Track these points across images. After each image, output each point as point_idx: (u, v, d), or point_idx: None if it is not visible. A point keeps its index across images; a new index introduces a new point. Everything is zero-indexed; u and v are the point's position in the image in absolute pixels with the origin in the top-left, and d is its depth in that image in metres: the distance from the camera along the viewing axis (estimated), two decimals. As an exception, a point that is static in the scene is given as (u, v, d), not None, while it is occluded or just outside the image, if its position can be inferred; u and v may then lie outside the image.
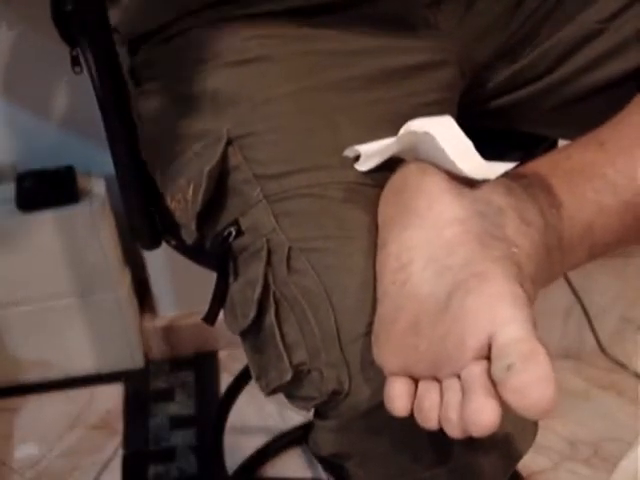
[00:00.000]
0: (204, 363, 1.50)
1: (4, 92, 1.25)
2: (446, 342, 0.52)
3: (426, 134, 0.60)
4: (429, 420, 0.52)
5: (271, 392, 0.65)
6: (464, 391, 0.50)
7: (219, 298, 0.69)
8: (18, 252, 1.31)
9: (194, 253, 0.85)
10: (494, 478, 0.64)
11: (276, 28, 0.71)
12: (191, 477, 1.34)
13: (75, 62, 0.91)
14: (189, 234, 0.72)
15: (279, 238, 0.64)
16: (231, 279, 0.68)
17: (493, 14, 0.76)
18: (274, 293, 0.63)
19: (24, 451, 1.38)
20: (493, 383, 0.49)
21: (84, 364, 1.46)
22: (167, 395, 1.46)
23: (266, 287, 0.63)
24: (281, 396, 0.66)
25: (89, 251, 1.32)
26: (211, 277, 0.88)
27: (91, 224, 1.29)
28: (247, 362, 0.69)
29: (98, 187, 1.30)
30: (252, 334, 0.65)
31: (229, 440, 1.24)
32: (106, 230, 1.31)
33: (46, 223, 1.28)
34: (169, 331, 1.49)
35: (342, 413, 0.61)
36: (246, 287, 0.64)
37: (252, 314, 0.63)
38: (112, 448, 1.38)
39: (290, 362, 0.62)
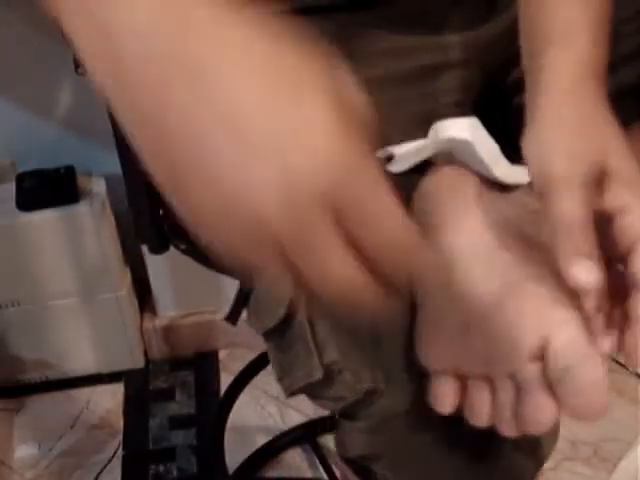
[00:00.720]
0: (204, 363, 1.50)
1: (4, 92, 1.25)
2: (500, 343, 0.52)
3: (465, 142, 0.61)
4: (480, 418, 0.53)
5: (294, 392, 0.65)
6: (521, 390, 0.51)
7: (243, 297, 0.68)
8: (18, 252, 1.31)
9: (204, 256, 0.84)
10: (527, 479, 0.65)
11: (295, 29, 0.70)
12: (191, 477, 1.34)
13: (79, 63, 0.90)
14: None
15: None
16: None
17: (513, 14, 0.76)
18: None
19: (24, 451, 1.38)
20: (549, 383, 0.50)
21: (84, 364, 1.46)
22: (167, 395, 1.46)
23: None
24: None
25: (89, 251, 1.32)
26: (211, 277, 0.88)
27: (91, 224, 1.29)
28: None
29: (98, 187, 1.30)
30: (278, 333, 0.65)
31: (229, 440, 1.24)
32: (106, 230, 1.31)
33: (46, 223, 1.28)
34: (169, 331, 1.48)
35: (375, 413, 0.61)
36: (274, 287, 0.64)
37: (282, 312, 0.63)
38: (112, 448, 1.38)
39: (321, 361, 0.61)
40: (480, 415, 0.53)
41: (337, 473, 1.29)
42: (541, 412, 0.50)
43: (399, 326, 0.59)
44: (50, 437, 1.40)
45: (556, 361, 0.49)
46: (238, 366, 1.33)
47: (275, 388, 1.47)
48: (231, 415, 1.25)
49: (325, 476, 1.30)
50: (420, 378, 0.58)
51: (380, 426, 0.62)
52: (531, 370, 0.51)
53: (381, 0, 0.71)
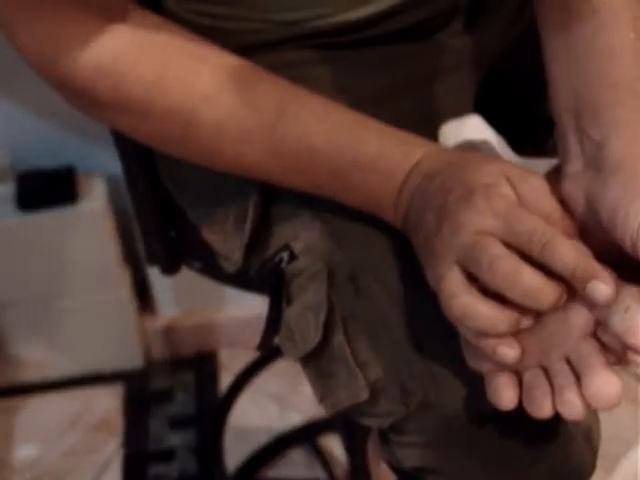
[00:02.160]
0: (204, 363, 1.50)
1: (4, 92, 1.25)
2: (550, 327, 0.53)
3: (484, 141, 0.62)
4: (542, 408, 0.53)
5: (338, 411, 0.64)
6: (581, 370, 0.52)
7: (274, 325, 0.67)
8: (18, 252, 1.31)
9: (218, 274, 0.84)
10: (588, 469, 0.65)
11: (297, 53, 0.70)
12: (191, 477, 1.34)
13: None
14: (231, 264, 0.71)
15: (339, 259, 0.64)
16: (283, 304, 0.67)
17: (505, 15, 0.76)
18: (341, 313, 0.62)
19: (24, 451, 1.38)
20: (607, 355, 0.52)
21: (84, 364, 1.46)
22: (167, 395, 1.46)
23: (330, 309, 0.62)
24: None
25: (89, 251, 1.32)
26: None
27: (91, 224, 1.29)
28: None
29: (98, 187, 1.30)
30: (315, 357, 0.64)
31: (229, 440, 1.24)
32: (106, 230, 1.31)
33: (46, 223, 1.28)
34: (169, 331, 1.48)
35: (429, 426, 0.61)
36: (305, 311, 0.64)
37: (318, 337, 0.62)
38: (112, 448, 1.38)
39: (366, 380, 0.61)
40: (543, 405, 0.53)
41: (337, 473, 1.29)
42: (609, 387, 0.51)
43: (440, 333, 0.59)
44: (50, 437, 1.39)
45: (615, 311, 0.51)
46: (238, 366, 1.33)
47: (275, 388, 1.47)
48: (231, 415, 1.25)
49: (325, 476, 1.30)
50: (472, 382, 0.58)
51: (436, 438, 0.62)
52: (586, 347, 0.52)
53: (379, 20, 0.71)
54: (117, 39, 0.61)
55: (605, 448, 0.67)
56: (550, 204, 0.54)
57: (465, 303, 0.53)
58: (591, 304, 0.51)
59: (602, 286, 0.50)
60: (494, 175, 0.55)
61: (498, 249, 0.52)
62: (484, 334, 0.53)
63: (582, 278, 0.50)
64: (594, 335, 0.53)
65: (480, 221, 0.53)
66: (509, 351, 0.52)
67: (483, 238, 0.53)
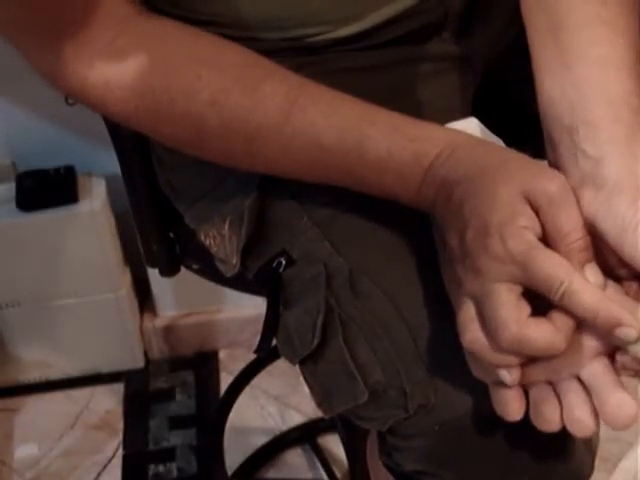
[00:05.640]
0: (204, 363, 1.50)
1: (4, 92, 1.25)
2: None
3: None
4: (551, 423, 0.53)
5: (336, 414, 0.64)
6: (594, 389, 0.52)
7: (272, 328, 0.67)
8: (18, 252, 1.31)
9: (216, 275, 0.84)
10: (586, 471, 0.65)
11: (284, 60, 0.70)
12: (191, 477, 1.34)
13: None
14: (228, 268, 0.71)
15: (337, 262, 0.64)
16: (281, 308, 0.67)
17: (498, 22, 0.76)
18: (340, 316, 0.62)
19: (24, 451, 1.38)
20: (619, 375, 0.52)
21: (84, 364, 1.46)
22: (167, 395, 1.46)
23: (329, 312, 0.62)
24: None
25: (89, 251, 1.32)
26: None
27: (91, 224, 1.29)
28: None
29: (98, 187, 1.30)
30: (313, 360, 0.64)
31: (229, 440, 1.24)
32: (106, 230, 1.31)
33: (46, 223, 1.28)
34: (169, 331, 1.48)
35: (427, 429, 0.61)
36: (304, 315, 0.63)
37: (316, 341, 0.62)
38: (112, 448, 1.38)
39: (365, 383, 0.61)
40: (551, 420, 0.53)
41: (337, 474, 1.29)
42: (625, 408, 0.51)
43: (439, 337, 0.59)
44: (50, 437, 1.39)
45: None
46: (238, 366, 1.33)
47: (275, 388, 1.47)
48: (231, 415, 1.25)
49: (325, 476, 1.30)
50: (471, 386, 0.58)
51: (435, 442, 0.61)
52: (598, 367, 0.52)
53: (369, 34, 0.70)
54: (122, 52, 0.62)
55: (605, 448, 0.66)
56: (568, 222, 0.53)
57: (474, 339, 0.53)
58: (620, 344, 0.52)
59: (630, 331, 0.50)
60: (511, 198, 0.53)
61: (505, 312, 0.52)
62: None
63: (605, 325, 0.51)
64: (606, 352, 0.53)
65: (498, 269, 0.53)
66: (507, 376, 0.53)
67: (493, 295, 0.52)
